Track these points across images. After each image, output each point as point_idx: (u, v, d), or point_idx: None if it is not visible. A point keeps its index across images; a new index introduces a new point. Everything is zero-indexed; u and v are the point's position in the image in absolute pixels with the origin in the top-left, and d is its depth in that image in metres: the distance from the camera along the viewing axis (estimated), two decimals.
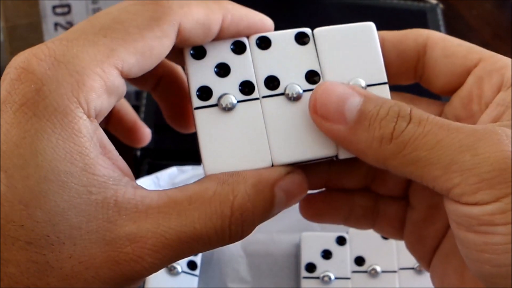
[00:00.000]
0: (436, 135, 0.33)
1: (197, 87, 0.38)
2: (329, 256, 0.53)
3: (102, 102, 0.34)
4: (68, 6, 0.74)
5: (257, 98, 0.38)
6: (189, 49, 0.38)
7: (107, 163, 0.33)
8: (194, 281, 0.54)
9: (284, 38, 0.39)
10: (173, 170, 0.58)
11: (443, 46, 0.39)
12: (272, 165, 0.37)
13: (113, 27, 0.34)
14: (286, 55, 0.39)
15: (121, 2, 0.36)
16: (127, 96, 0.68)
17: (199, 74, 0.38)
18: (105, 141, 0.34)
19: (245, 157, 0.37)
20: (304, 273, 0.53)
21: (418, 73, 0.41)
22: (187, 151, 0.62)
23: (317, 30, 0.39)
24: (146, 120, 0.66)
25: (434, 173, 0.32)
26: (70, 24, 0.75)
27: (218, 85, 0.38)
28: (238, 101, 0.37)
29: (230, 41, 0.39)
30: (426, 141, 0.33)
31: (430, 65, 0.40)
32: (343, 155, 0.37)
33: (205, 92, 0.37)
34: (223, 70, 0.38)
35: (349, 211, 0.43)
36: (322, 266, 0.53)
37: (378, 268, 0.52)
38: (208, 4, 0.37)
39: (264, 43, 0.39)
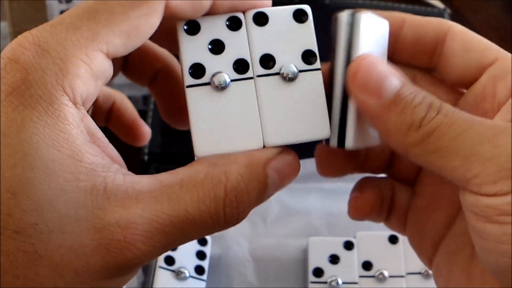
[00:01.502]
0: (460, 126, 0.33)
1: (190, 64, 0.36)
2: (337, 261, 0.53)
3: (88, 88, 0.33)
4: None
5: (251, 78, 0.37)
6: (182, 23, 0.36)
7: (95, 151, 0.33)
8: (202, 285, 0.54)
9: (282, 14, 0.38)
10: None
11: (463, 39, 0.39)
12: (264, 147, 0.36)
13: (97, 8, 0.33)
14: (283, 33, 0.37)
15: None
16: (134, 101, 0.68)
17: (192, 50, 0.36)
18: (93, 128, 0.33)
19: (237, 138, 0.36)
20: (311, 278, 0.53)
21: (433, 61, 0.41)
22: (194, 155, 0.62)
23: (341, 14, 0.38)
24: (153, 125, 0.66)
25: (454, 163, 0.33)
26: None
27: (212, 63, 0.36)
28: (232, 80, 0.36)
29: (226, 17, 0.37)
30: (450, 131, 0.33)
31: (447, 56, 0.40)
32: (351, 145, 0.36)
33: (198, 70, 0.36)
34: (217, 47, 0.37)
35: (380, 206, 0.44)
36: (330, 271, 0.53)
37: (386, 273, 0.52)
38: None
39: (261, 18, 0.37)
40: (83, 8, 0.34)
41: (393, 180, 0.44)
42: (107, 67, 0.34)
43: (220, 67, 0.36)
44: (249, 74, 0.36)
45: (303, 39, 0.37)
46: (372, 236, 0.54)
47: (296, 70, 0.36)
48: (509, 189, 0.31)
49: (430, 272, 0.52)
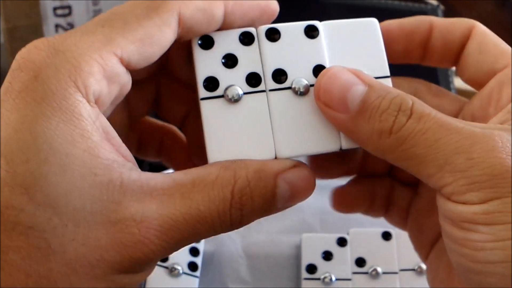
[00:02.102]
0: (435, 133, 0.33)
1: (204, 77, 0.37)
2: (330, 257, 0.53)
3: (101, 88, 0.34)
4: (69, 7, 0.74)
5: (264, 91, 0.38)
6: (196, 39, 0.38)
7: (110, 148, 0.33)
8: (195, 282, 0.54)
9: (293, 30, 0.39)
10: (171, 171, 0.58)
11: (481, 41, 0.40)
12: (276, 158, 0.37)
13: (111, 18, 0.35)
14: (294, 48, 0.39)
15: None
16: None
17: (206, 64, 0.38)
18: (108, 128, 0.34)
19: (249, 148, 0.37)
20: (304, 274, 0.53)
21: (457, 59, 0.42)
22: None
23: (324, 23, 0.39)
24: None
25: (429, 170, 0.33)
26: (71, 26, 0.75)
27: (225, 76, 0.38)
28: (245, 93, 0.37)
29: (238, 32, 0.38)
30: (424, 138, 0.33)
31: (464, 56, 0.41)
32: (346, 145, 0.37)
33: (211, 83, 0.37)
34: (230, 61, 0.38)
35: (371, 201, 0.45)
36: (323, 267, 0.53)
37: (379, 269, 0.52)
38: None
39: (273, 34, 0.39)
40: (98, 18, 0.35)
41: (393, 181, 0.45)
42: (121, 72, 0.35)
43: (233, 80, 0.38)
44: (261, 87, 0.38)
45: (314, 54, 0.39)
46: (365, 232, 0.54)
47: (307, 85, 0.38)
48: (477, 200, 0.32)
49: (424, 268, 0.52)
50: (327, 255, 0.53)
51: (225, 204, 0.34)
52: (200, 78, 0.38)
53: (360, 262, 0.53)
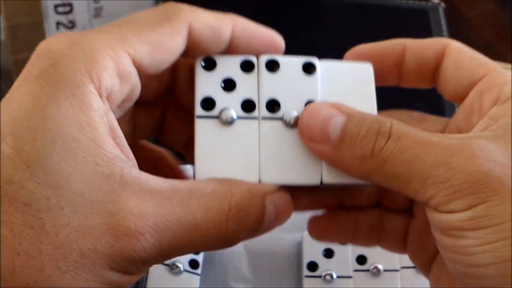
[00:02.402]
0: (414, 150, 0.35)
1: (202, 97, 0.39)
2: (331, 255, 0.53)
3: (113, 84, 0.34)
4: (70, 5, 0.74)
5: (256, 118, 0.39)
6: (201, 59, 0.39)
7: (114, 144, 0.34)
8: (196, 280, 0.54)
9: (292, 64, 0.40)
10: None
11: (456, 58, 0.41)
12: (259, 182, 0.38)
13: (127, 22, 0.36)
14: (291, 81, 0.40)
15: None
16: None
17: (206, 85, 0.39)
18: (114, 125, 0.35)
19: (235, 169, 0.38)
20: (306, 272, 0.53)
21: (435, 79, 0.42)
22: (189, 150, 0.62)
23: (322, 63, 0.40)
24: None
25: (413, 186, 0.35)
26: (72, 23, 0.75)
27: (222, 99, 0.39)
28: (238, 117, 0.39)
29: (241, 58, 0.40)
30: (404, 157, 0.35)
31: (442, 75, 0.41)
32: (326, 179, 0.38)
33: (208, 103, 0.39)
34: (229, 85, 0.39)
35: (355, 229, 0.45)
36: (324, 265, 0.53)
37: (380, 267, 0.52)
38: (217, 13, 0.39)
39: (273, 65, 0.40)
40: (115, 21, 0.36)
41: (382, 211, 0.45)
42: (133, 72, 0.36)
43: (229, 103, 0.39)
44: (254, 114, 0.39)
45: (308, 90, 0.40)
46: None
47: (297, 117, 0.39)
48: (461, 208, 0.33)
49: None
50: (328, 253, 0.53)
51: (222, 215, 0.35)
52: (198, 97, 0.39)
53: (361, 259, 0.53)
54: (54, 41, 0.34)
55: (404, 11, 0.77)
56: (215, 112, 0.39)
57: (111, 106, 0.35)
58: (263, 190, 0.37)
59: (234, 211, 0.35)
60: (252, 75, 0.40)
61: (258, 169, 0.39)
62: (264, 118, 0.39)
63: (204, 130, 0.39)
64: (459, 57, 0.41)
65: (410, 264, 0.53)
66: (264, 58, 0.40)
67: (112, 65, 0.34)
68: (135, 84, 0.37)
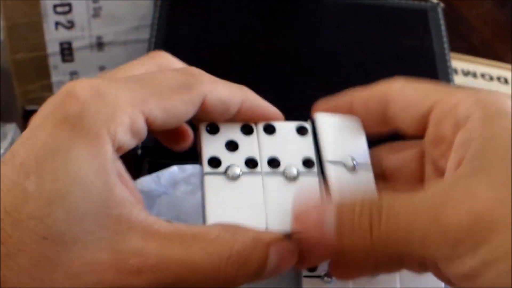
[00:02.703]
0: (405, 221, 0.37)
1: (209, 157, 0.43)
2: None
3: (125, 139, 0.38)
4: (69, 5, 0.74)
5: (259, 173, 0.43)
6: (205, 125, 0.44)
7: (124, 188, 0.38)
8: None
9: (286, 127, 0.45)
10: (173, 169, 0.58)
11: (400, 99, 0.43)
12: (266, 229, 0.41)
13: (150, 82, 0.40)
14: (287, 142, 0.45)
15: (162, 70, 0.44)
16: None
17: (211, 146, 0.44)
18: (122, 171, 0.39)
19: (244, 218, 0.41)
20: (305, 272, 0.52)
21: (391, 122, 0.45)
22: (187, 150, 0.62)
23: (317, 116, 0.46)
24: None
25: (416, 252, 0.37)
26: (71, 23, 0.75)
27: (227, 157, 0.43)
28: (243, 173, 0.43)
29: (240, 124, 0.45)
30: (399, 234, 0.37)
31: (393, 118, 0.44)
32: None
33: (215, 162, 0.43)
34: (232, 146, 0.44)
35: None
36: (323, 265, 0.53)
37: None
38: (232, 86, 0.43)
39: (269, 129, 0.45)
40: (141, 78, 0.40)
41: None
42: (144, 129, 0.39)
43: (234, 161, 0.43)
44: (257, 170, 0.43)
45: (304, 149, 0.45)
46: None
47: (297, 173, 0.43)
48: (466, 253, 0.35)
49: None
50: None
51: (221, 260, 0.37)
52: (206, 157, 0.43)
53: None
54: (80, 88, 0.38)
55: (403, 11, 0.77)
56: (221, 169, 0.43)
57: (119, 153, 0.39)
58: (267, 239, 0.39)
59: (235, 258, 0.37)
60: (252, 137, 0.44)
61: (265, 217, 0.42)
62: (267, 173, 0.43)
63: (213, 186, 0.42)
64: (403, 97, 0.43)
65: None
66: (262, 124, 0.45)
67: (128, 123, 0.38)
68: (143, 137, 0.40)
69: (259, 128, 0.45)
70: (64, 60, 0.78)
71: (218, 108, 0.42)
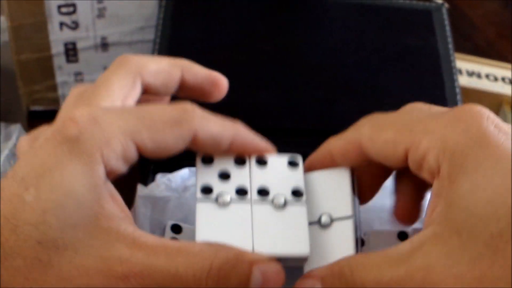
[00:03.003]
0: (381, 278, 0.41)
1: (202, 185, 0.46)
2: None
3: (117, 165, 0.42)
4: (74, 5, 0.74)
5: (249, 201, 0.46)
6: (201, 155, 0.47)
7: (113, 205, 0.42)
8: None
9: (278, 160, 0.49)
10: (185, 172, 0.58)
11: (372, 148, 0.46)
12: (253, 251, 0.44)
13: (144, 115, 0.44)
14: (278, 174, 0.48)
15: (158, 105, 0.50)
16: None
17: (205, 175, 0.47)
18: (113, 192, 0.43)
19: (231, 240, 0.43)
20: None
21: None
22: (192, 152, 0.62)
23: (307, 176, 0.49)
24: None
25: None
26: (75, 24, 0.75)
27: (219, 186, 0.46)
28: (233, 201, 0.46)
29: (234, 156, 0.48)
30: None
31: (372, 161, 0.47)
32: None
33: (207, 190, 0.46)
34: (224, 176, 0.47)
35: None
36: None
37: None
38: (223, 123, 0.46)
39: (261, 162, 0.48)
40: (135, 110, 0.45)
41: None
42: (134, 158, 0.43)
43: (225, 189, 0.46)
44: (247, 198, 0.46)
45: (293, 180, 0.48)
46: (382, 233, 0.54)
47: (285, 202, 0.46)
48: None
49: None
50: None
51: (202, 273, 0.40)
52: (199, 185, 0.46)
53: None
54: (79, 115, 0.42)
55: (407, 12, 0.77)
56: (213, 196, 0.46)
57: (110, 178, 0.43)
58: (251, 258, 0.41)
59: (215, 271, 0.40)
60: (244, 168, 0.48)
61: (251, 241, 0.45)
62: (256, 201, 0.46)
63: (204, 211, 0.45)
64: (375, 146, 0.46)
65: None
66: (254, 156, 0.48)
67: (120, 150, 0.42)
68: (133, 163, 0.44)
69: (252, 160, 0.48)
70: (68, 60, 0.77)
71: (209, 143, 0.45)
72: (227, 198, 0.46)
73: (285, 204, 0.46)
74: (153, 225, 0.54)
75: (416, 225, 0.55)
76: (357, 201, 0.49)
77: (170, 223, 0.52)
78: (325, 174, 0.49)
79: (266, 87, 0.69)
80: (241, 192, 0.47)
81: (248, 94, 0.67)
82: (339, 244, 0.47)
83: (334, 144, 0.49)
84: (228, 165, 0.48)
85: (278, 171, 0.48)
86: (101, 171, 0.41)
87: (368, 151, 0.46)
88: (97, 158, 0.41)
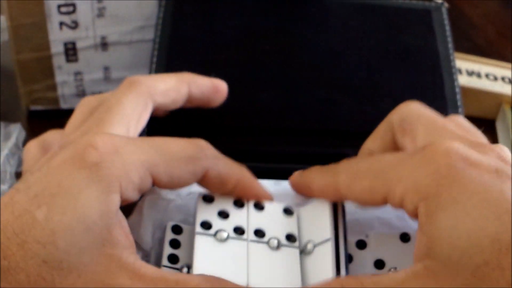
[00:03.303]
0: None
1: (201, 220, 0.49)
2: (350, 260, 0.53)
3: (129, 195, 0.44)
4: (73, 5, 0.74)
5: (246, 240, 0.49)
6: (201, 195, 0.51)
7: (121, 233, 0.43)
8: None
9: (274, 207, 0.52)
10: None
11: (349, 193, 0.49)
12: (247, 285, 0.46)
13: (163, 148, 0.46)
14: (273, 218, 0.51)
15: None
16: None
17: (205, 212, 0.50)
18: (122, 220, 0.44)
19: (227, 274, 0.45)
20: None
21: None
22: None
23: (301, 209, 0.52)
24: (150, 120, 0.65)
25: None
26: (75, 23, 0.75)
27: (218, 223, 0.49)
28: (231, 238, 0.49)
29: (233, 198, 0.52)
30: None
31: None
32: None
33: (206, 225, 0.49)
34: (223, 215, 0.50)
35: None
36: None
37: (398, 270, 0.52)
38: (232, 165, 0.50)
39: (259, 206, 0.52)
40: (155, 143, 0.47)
41: None
42: (149, 188, 0.46)
43: (223, 227, 0.49)
44: (244, 237, 0.49)
45: (288, 226, 0.51)
46: (384, 235, 0.54)
47: (279, 244, 0.49)
48: None
49: None
50: (348, 258, 0.53)
51: None
52: (199, 220, 0.49)
53: (379, 264, 0.53)
54: (101, 141, 0.43)
55: (406, 11, 0.77)
56: (212, 231, 0.49)
57: (123, 204, 0.44)
58: None
59: None
60: (243, 210, 0.51)
61: (246, 277, 0.47)
62: (252, 241, 0.49)
63: (202, 244, 0.48)
64: (353, 194, 0.48)
65: None
66: (252, 201, 0.52)
67: (138, 182, 0.44)
68: (147, 191, 0.48)
69: (250, 204, 0.52)
70: (68, 60, 0.77)
71: (216, 182, 0.49)
72: (225, 234, 0.49)
73: (279, 246, 0.49)
74: (155, 226, 0.54)
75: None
76: (342, 222, 0.51)
77: (170, 224, 0.52)
78: (309, 208, 0.52)
79: (266, 87, 0.69)
80: (239, 230, 0.50)
81: (247, 94, 0.67)
82: (320, 267, 0.49)
83: (313, 181, 0.52)
84: (227, 205, 0.51)
85: (274, 217, 0.51)
86: (116, 200, 0.43)
87: (346, 197, 0.49)
88: (115, 187, 0.43)
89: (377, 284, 0.42)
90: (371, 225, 0.56)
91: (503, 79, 0.83)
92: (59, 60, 0.77)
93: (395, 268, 0.52)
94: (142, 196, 0.51)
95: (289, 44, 0.73)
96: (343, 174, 0.49)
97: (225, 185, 0.50)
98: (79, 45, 0.77)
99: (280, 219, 0.51)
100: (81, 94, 0.79)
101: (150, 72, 0.68)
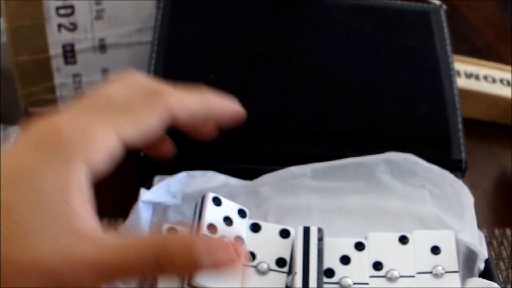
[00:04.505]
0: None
1: (208, 223, 0.51)
2: (348, 262, 0.53)
3: (102, 166, 0.44)
4: (72, 7, 0.74)
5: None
6: (212, 195, 0.53)
7: (81, 205, 0.42)
8: None
9: (272, 228, 0.54)
10: (183, 176, 0.58)
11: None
12: None
13: (120, 104, 0.46)
14: (268, 240, 0.53)
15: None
16: None
17: (212, 214, 0.52)
18: (84, 190, 0.43)
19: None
20: (324, 278, 0.52)
21: None
22: (193, 151, 0.62)
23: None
24: None
25: None
26: (73, 25, 0.75)
27: (222, 229, 0.51)
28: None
29: (238, 207, 0.54)
30: None
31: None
32: None
33: (212, 228, 0.51)
34: (227, 221, 0.52)
35: None
36: (341, 271, 0.53)
37: (396, 273, 0.52)
38: (196, 97, 0.51)
39: (255, 227, 0.54)
40: (110, 102, 0.46)
41: None
42: (119, 153, 0.45)
43: (227, 233, 0.51)
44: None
45: (281, 249, 0.53)
46: (383, 237, 0.54)
47: (267, 269, 0.51)
48: None
49: (440, 271, 0.52)
50: (345, 259, 0.53)
51: (147, 261, 0.41)
52: (205, 222, 0.51)
53: (377, 265, 0.53)
54: (56, 116, 0.43)
55: (405, 13, 0.77)
56: (217, 236, 0.50)
57: (97, 178, 0.44)
58: None
59: (160, 257, 0.41)
60: (245, 220, 0.54)
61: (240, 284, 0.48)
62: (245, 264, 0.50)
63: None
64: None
65: (426, 269, 0.53)
66: (250, 221, 0.54)
67: (105, 150, 0.44)
68: (118, 156, 0.46)
69: (249, 221, 0.54)
70: (66, 62, 0.77)
71: (188, 120, 0.49)
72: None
73: (268, 270, 0.51)
74: (152, 228, 0.54)
75: (419, 229, 0.55)
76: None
77: (166, 226, 0.52)
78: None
79: (265, 89, 0.69)
80: (239, 240, 0.52)
81: (246, 96, 0.67)
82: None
83: None
84: (232, 213, 0.53)
85: (269, 238, 0.53)
86: (78, 171, 0.42)
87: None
88: (76, 162, 0.42)
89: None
90: (372, 224, 0.56)
91: (501, 81, 0.83)
92: (57, 62, 0.77)
93: (394, 270, 0.52)
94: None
95: (288, 46, 0.73)
96: None
97: (198, 119, 0.51)
98: (77, 47, 0.77)
99: (275, 241, 0.53)
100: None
101: (148, 74, 0.67)
